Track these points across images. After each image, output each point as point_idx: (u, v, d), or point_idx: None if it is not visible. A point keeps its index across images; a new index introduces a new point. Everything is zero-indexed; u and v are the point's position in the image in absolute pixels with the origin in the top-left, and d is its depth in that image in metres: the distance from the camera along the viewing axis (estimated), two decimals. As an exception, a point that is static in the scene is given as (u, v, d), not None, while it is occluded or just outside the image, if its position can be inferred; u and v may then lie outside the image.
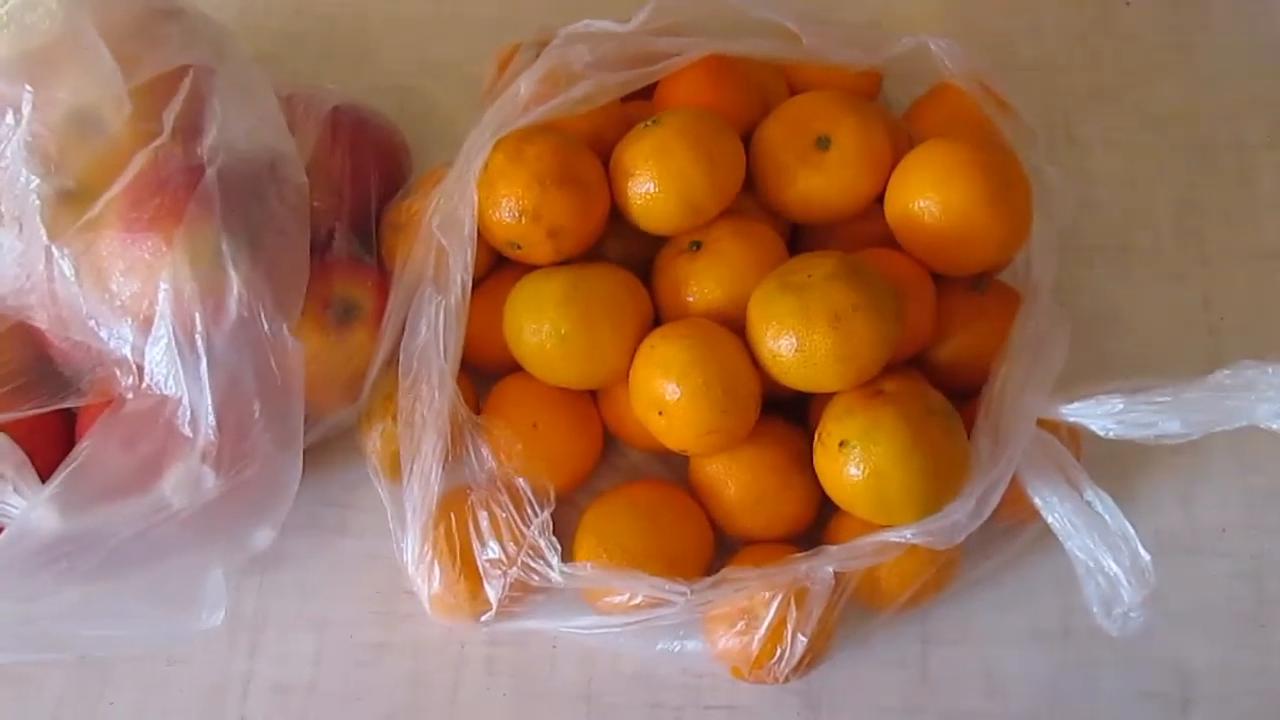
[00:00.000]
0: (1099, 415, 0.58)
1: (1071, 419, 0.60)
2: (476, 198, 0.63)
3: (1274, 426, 0.55)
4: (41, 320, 0.60)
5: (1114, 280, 0.77)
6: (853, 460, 0.57)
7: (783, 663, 0.59)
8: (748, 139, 0.68)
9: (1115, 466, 0.69)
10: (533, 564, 0.60)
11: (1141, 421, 0.57)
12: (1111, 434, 0.58)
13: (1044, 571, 0.67)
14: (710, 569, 0.64)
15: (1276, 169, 0.80)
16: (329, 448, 0.69)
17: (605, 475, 0.70)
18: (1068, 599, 0.66)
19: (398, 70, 0.84)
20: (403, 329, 0.65)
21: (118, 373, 0.59)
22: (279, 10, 0.88)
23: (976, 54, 0.71)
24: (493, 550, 0.60)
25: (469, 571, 0.61)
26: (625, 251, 0.68)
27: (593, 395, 0.68)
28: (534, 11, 0.84)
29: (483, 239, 0.64)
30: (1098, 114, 0.82)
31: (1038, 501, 0.60)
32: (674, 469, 0.69)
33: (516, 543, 0.60)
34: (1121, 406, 0.58)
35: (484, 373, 0.69)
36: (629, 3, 0.72)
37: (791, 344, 0.58)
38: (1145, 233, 0.78)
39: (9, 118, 0.58)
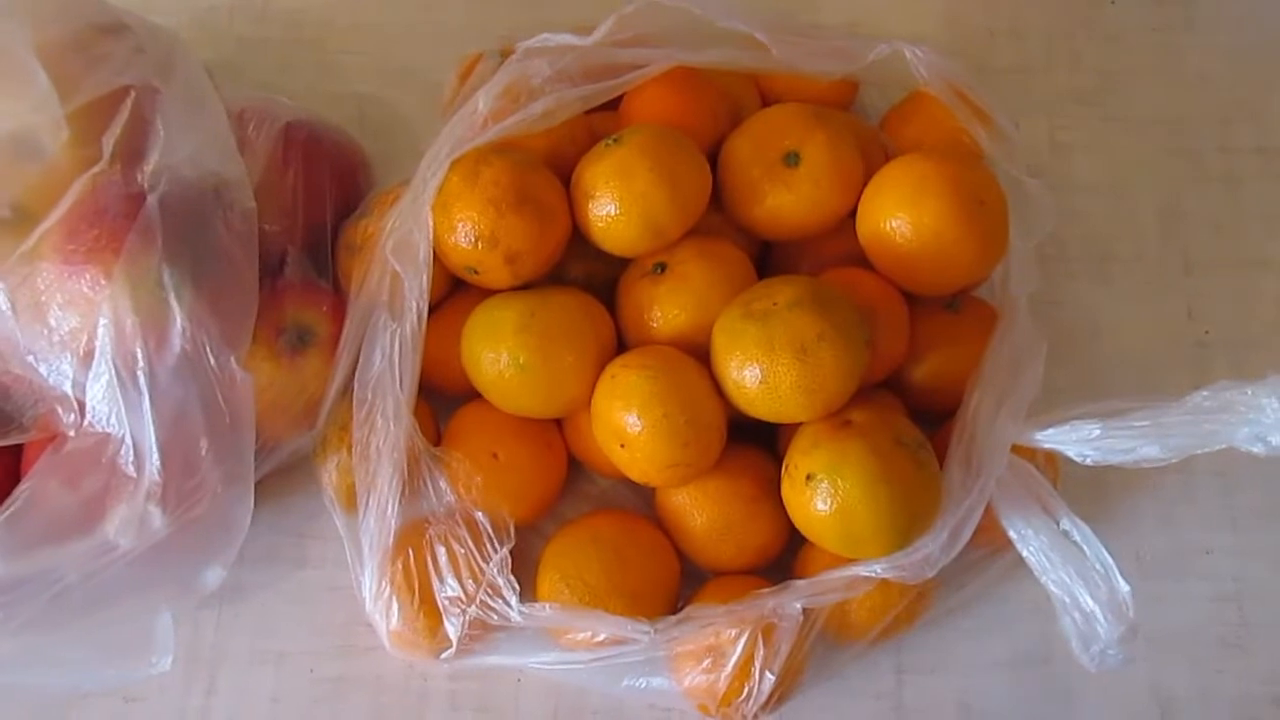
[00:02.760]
0: (1075, 441, 0.57)
1: (1047, 445, 0.58)
2: (431, 221, 0.61)
3: (1253, 449, 0.53)
4: (-21, 354, 0.58)
5: (1096, 291, 0.75)
6: (820, 494, 0.55)
7: (751, 700, 0.58)
8: (715, 153, 0.66)
9: (1095, 488, 0.68)
10: (491, 603, 0.58)
11: (1119, 447, 0.55)
12: (1089, 460, 0.56)
13: (1021, 598, 0.66)
14: (677, 601, 0.62)
15: (1263, 174, 0.78)
16: (287, 476, 0.67)
17: (571, 502, 0.68)
18: (1045, 626, 0.65)
19: (360, 77, 0.82)
20: (358, 355, 0.63)
21: (59, 409, 0.57)
22: (241, 15, 0.85)
23: (953, 60, 0.68)
24: (451, 587, 0.59)
25: (428, 608, 0.59)
26: (588, 272, 0.66)
27: (557, 421, 0.66)
28: (499, 18, 0.82)
29: (439, 261, 0.62)
30: (1080, 118, 0.80)
31: (1013, 534, 0.58)
32: (642, 496, 0.67)
33: (475, 580, 0.58)
34: (1098, 432, 0.56)
35: (444, 397, 0.67)
36: (596, 10, 0.70)
37: (756, 375, 0.56)
38: (1128, 241, 0.76)
39: (-61, 145, 0.56)
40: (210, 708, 0.65)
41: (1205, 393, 0.53)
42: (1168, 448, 0.54)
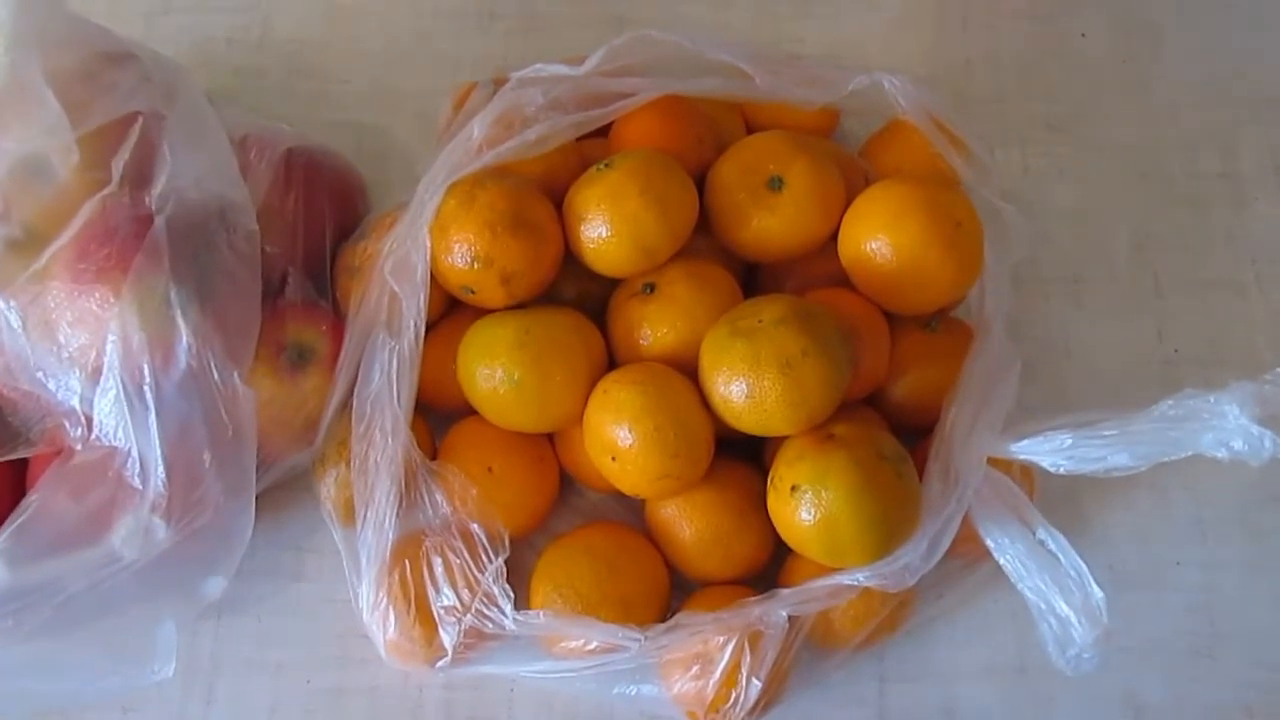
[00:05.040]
0: (1048, 451, 0.58)
1: (1021, 456, 0.60)
2: (429, 243, 0.63)
3: (1218, 455, 0.55)
4: (-12, 370, 0.60)
5: (1069, 312, 0.77)
6: (804, 505, 0.57)
7: (738, 706, 0.59)
8: (702, 178, 0.68)
9: (1070, 503, 0.70)
10: (487, 611, 0.59)
11: (1090, 456, 0.57)
12: (1062, 469, 0.58)
13: (999, 607, 0.67)
14: (666, 610, 0.64)
15: (1229, 199, 0.81)
16: (285, 491, 0.69)
17: (563, 516, 0.70)
18: (1023, 634, 0.67)
19: (356, 105, 0.84)
20: (357, 373, 0.65)
21: (66, 424, 0.59)
22: (240, 44, 0.88)
23: (930, 90, 0.71)
24: (447, 597, 0.60)
25: (424, 618, 0.61)
26: (580, 292, 0.68)
27: (549, 437, 0.68)
28: (491, 49, 0.85)
29: (436, 282, 0.64)
30: (1053, 145, 0.83)
31: (989, 543, 0.60)
32: (632, 509, 0.69)
33: (471, 590, 0.60)
34: (1070, 442, 0.58)
35: (440, 414, 0.69)
36: (587, 41, 0.72)
37: (742, 390, 0.58)
38: (1100, 264, 0.79)
39: (-46, 169, 0.58)
40: (209, 717, 0.66)
41: (1170, 402, 0.56)
42: (1136, 456, 0.56)
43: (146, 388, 0.57)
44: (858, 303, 0.65)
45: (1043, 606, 0.59)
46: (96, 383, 0.57)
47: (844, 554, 0.58)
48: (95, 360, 0.57)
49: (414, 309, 0.63)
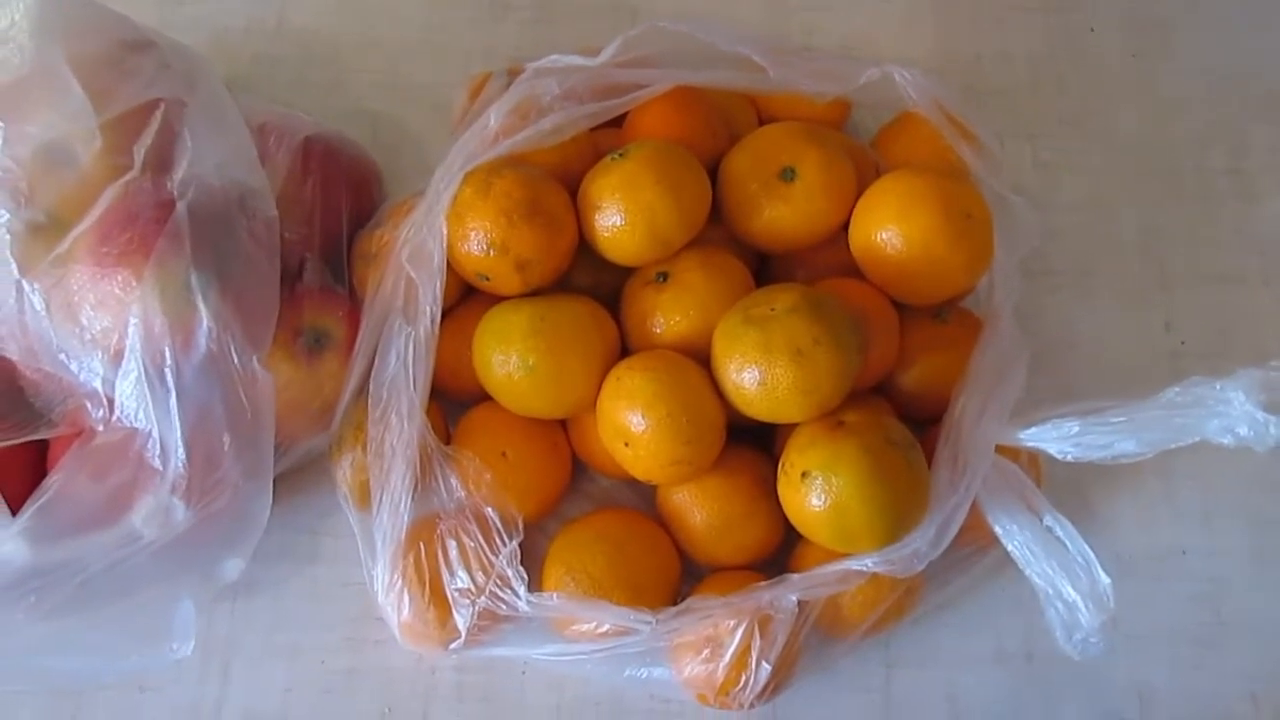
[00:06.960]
0: (1056, 438, 0.59)
1: (1029, 443, 0.60)
2: (445, 230, 0.63)
3: (1224, 441, 0.55)
4: (12, 351, 0.60)
5: (1077, 305, 0.78)
6: (815, 491, 0.58)
7: (747, 689, 0.60)
8: (715, 169, 0.69)
9: (1077, 491, 0.71)
10: (500, 593, 0.60)
11: (1098, 443, 0.58)
12: (1069, 456, 0.59)
13: (1006, 595, 0.68)
14: (677, 595, 0.65)
15: (1237, 194, 0.82)
16: (301, 474, 0.70)
17: (575, 502, 0.70)
18: (1029, 622, 0.68)
19: (371, 94, 0.85)
20: (373, 358, 0.65)
21: (88, 405, 0.59)
22: (256, 33, 0.88)
23: (941, 83, 0.71)
24: (461, 579, 0.61)
25: (438, 600, 0.62)
26: (594, 281, 0.69)
27: (562, 423, 0.69)
28: (505, 39, 0.86)
29: (452, 269, 0.65)
30: (1063, 139, 0.84)
31: (997, 529, 0.61)
32: (643, 496, 0.69)
33: (485, 572, 0.61)
34: (1077, 429, 0.58)
35: (455, 400, 0.70)
36: (598, 32, 0.73)
37: (754, 377, 0.59)
38: (1108, 257, 0.80)
39: (-21, 152, 0.59)
40: (224, 698, 0.67)
41: (1177, 389, 0.56)
42: (1143, 442, 0.57)
43: (167, 370, 0.58)
44: (868, 292, 0.66)
45: (1050, 591, 0.59)
46: (118, 365, 0.58)
47: (853, 540, 0.59)
48: (117, 343, 0.58)
49: (430, 295, 0.63)
